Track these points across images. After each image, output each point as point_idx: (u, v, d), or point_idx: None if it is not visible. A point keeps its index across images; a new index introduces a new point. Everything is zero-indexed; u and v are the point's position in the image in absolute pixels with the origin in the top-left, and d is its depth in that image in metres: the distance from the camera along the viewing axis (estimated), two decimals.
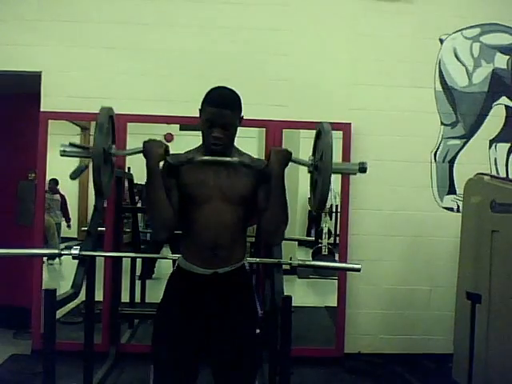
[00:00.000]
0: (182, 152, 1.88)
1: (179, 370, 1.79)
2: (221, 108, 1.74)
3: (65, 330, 3.50)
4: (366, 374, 3.49)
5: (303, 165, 1.90)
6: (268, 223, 1.80)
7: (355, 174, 1.95)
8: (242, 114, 1.84)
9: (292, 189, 4.95)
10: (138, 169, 3.30)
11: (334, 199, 3.72)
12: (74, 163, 1.97)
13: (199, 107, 1.82)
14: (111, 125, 1.93)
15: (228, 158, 1.80)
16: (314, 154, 1.92)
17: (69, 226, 5.68)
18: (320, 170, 1.80)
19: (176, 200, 1.79)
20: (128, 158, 3.57)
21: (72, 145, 1.89)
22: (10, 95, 4.09)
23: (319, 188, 1.78)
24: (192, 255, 1.81)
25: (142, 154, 1.79)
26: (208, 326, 1.79)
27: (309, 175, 1.94)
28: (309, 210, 7.18)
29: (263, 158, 3.52)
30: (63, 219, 5.74)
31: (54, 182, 5.20)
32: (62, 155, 1.90)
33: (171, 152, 1.83)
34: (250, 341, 1.85)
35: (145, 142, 1.78)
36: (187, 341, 1.78)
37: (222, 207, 1.77)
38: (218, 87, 1.82)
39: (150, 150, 1.75)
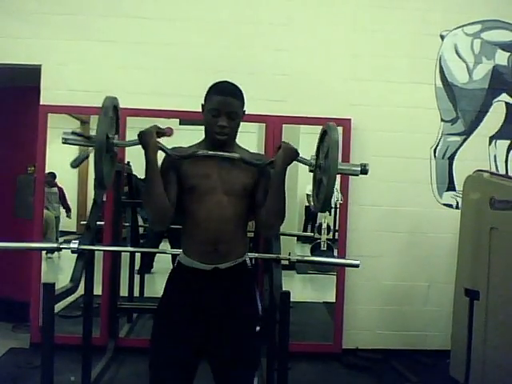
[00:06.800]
0: (185, 147, 1.87)
1: (178, 367, 1.78)
2: (227, 96, 1.76)
3: (63, 323, 3.50)
4: (364, 369, 3.50)
5: (305, 164, 1.89)
6: (266, 217, 1.80)
7: (357, 175, 1.91)
8: (245, 108, 1.84)
9: (291, 184, 4.94)
10: (137, 162, 3.30)
11: (337, 194, 3.70)
12: (74, 156, 1.95)
13: (202, 102, 1.82)
14: (115, 114, 1.91)
15: (228, 154, 1.79)
16: (317, 153, 1.91)
17: (68, 216, 5.66)
18: (325, 168, 1.79)
19: (175, 193, 1.78)
20: (128, 151, 3.57)
21: (74, 133, 1.87)
22: (9, 88, 4.08)
23: (324, 187, 1.77)
24: (193, 250, 1.79)
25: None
26: (208, 323, 1.78)
27: (308, 171, 1.93)
28: (306, 205, 7.16)
29: (263, 152, 3.55)
30: (62, 212, 5.72)
31: (52, 175, 5.18)
32: (63, 143, 1.88)
33: (173, 146, 1.83)
34: (250, 339, 1.83)
35: (138, 135, 1.77)
36: (187, 338, 1.77)
37: (224, 200, 1.76)
38: (222, 80, 1.83)
39: (145, 141, 1.75)
